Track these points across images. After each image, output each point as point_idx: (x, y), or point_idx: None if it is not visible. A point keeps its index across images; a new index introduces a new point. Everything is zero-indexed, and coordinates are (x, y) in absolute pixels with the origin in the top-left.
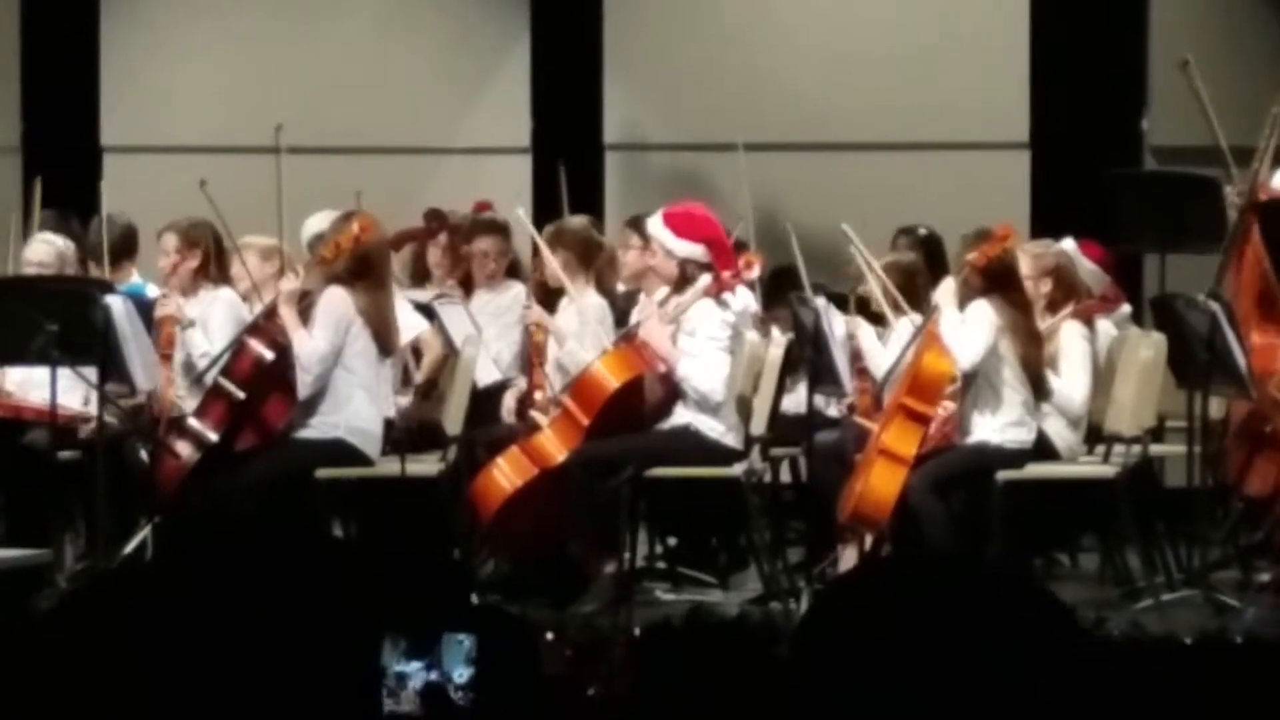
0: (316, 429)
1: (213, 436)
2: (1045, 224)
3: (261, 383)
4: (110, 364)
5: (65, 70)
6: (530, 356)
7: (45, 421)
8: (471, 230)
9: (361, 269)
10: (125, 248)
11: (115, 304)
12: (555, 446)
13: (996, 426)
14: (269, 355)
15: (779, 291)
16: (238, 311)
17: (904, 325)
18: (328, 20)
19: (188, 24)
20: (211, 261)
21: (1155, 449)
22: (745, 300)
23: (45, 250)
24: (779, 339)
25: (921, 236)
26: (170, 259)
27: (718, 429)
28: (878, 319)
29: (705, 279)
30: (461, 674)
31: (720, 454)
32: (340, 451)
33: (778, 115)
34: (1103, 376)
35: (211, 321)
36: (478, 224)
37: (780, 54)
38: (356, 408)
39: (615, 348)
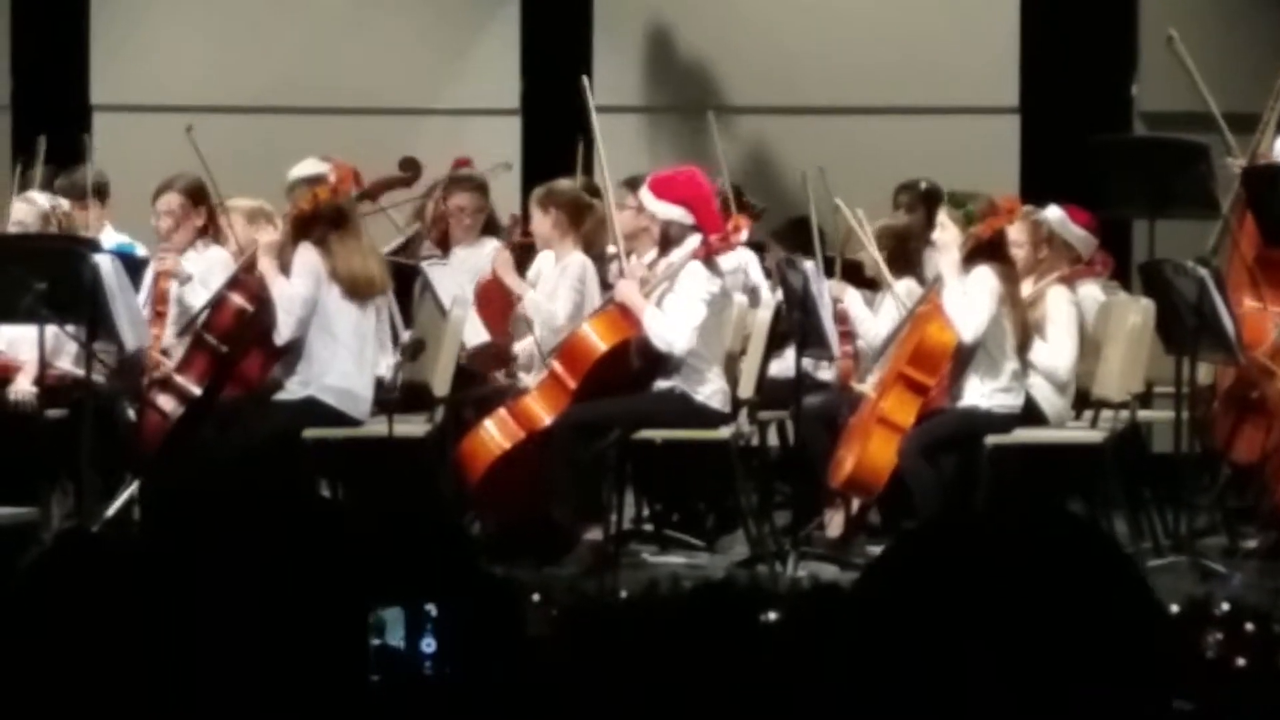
0: (298, 389)
1: (195, 390)
2: (1035, 189)
3: (243, 336)
4: (98, 322)
5: (54, 28)
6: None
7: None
8: (449, 187)
9: (338, 218)
10: (97, 191)
11: (103, 262)
12: (542, 409)
13: (985, 392)
14: (250, 308)
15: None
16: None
17: (900, 289)
18: None
19: None
20: (212, 219)
21: (1143, 414)
22: (737, 260)
23: (25, 210)
24: (768, 301)
25: (923, 191)
26: (173, 217)
27: (704, 391)
28: (868, 284)
29: (693, 241)
30: (430, 644)
31: (707, 417)
32: (321, 412)
33: (767, 77)
34: (1091, 342)
35: (212, 281)
36: (454, 180)
37: (769, 16)
38: (339, 368)
39: (603, 310)
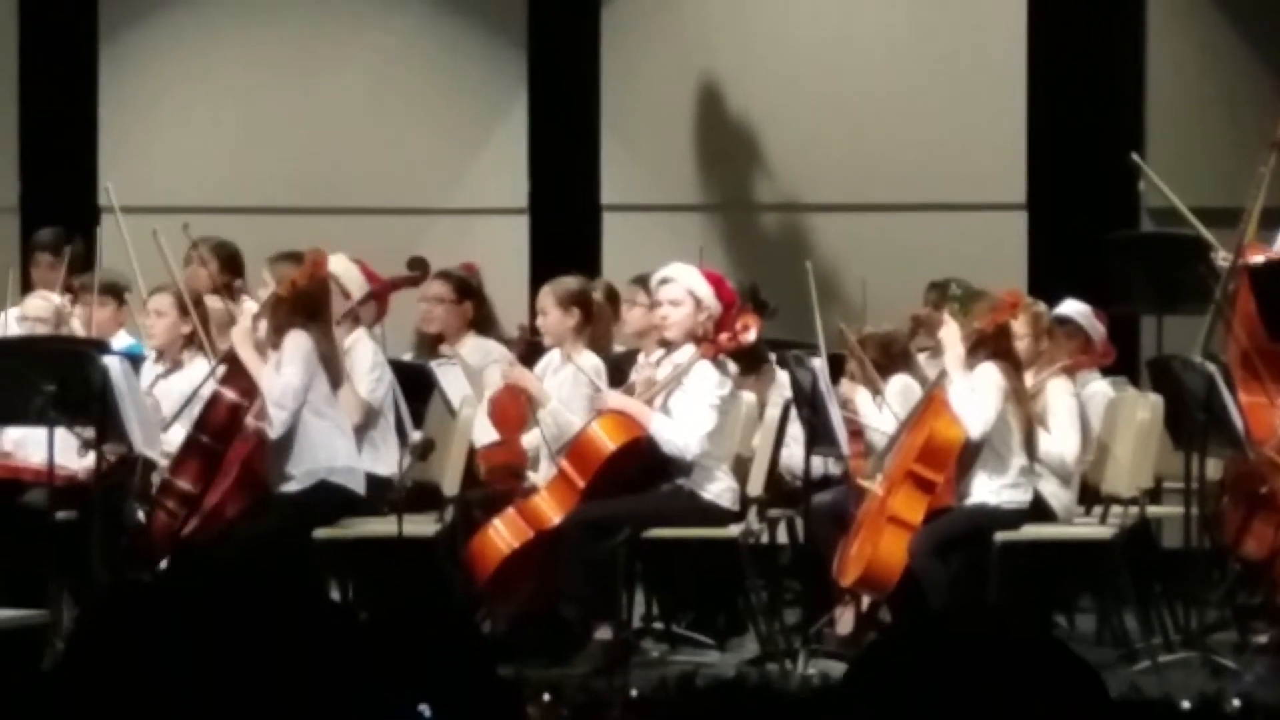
0: (300, 480)
1: (193, 490)
2: (1042, 284)
3: (238, 432)
4: (108, 424)
5: (63, 131)
6: (504, 418)
7: (43, 482)
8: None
9: (317, 304)
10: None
11: (112, 364)
12: (552, 508)
13: (994, 488)
14: (244, 403)
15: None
16: None
17: (895, 386)
18: (325, 80)
19: (185, 84)
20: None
21: (1152, 510)
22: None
23: (42, 306)
24: (776, 399)
25: (952, 294)
26: (164, 319)
27: (713, 489)
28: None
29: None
30: None
31: (716, 515)
32: (329, 495)
33: (775, 175)
34: (1100, 438)
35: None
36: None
37: (777, 116)
38: (341, 448)
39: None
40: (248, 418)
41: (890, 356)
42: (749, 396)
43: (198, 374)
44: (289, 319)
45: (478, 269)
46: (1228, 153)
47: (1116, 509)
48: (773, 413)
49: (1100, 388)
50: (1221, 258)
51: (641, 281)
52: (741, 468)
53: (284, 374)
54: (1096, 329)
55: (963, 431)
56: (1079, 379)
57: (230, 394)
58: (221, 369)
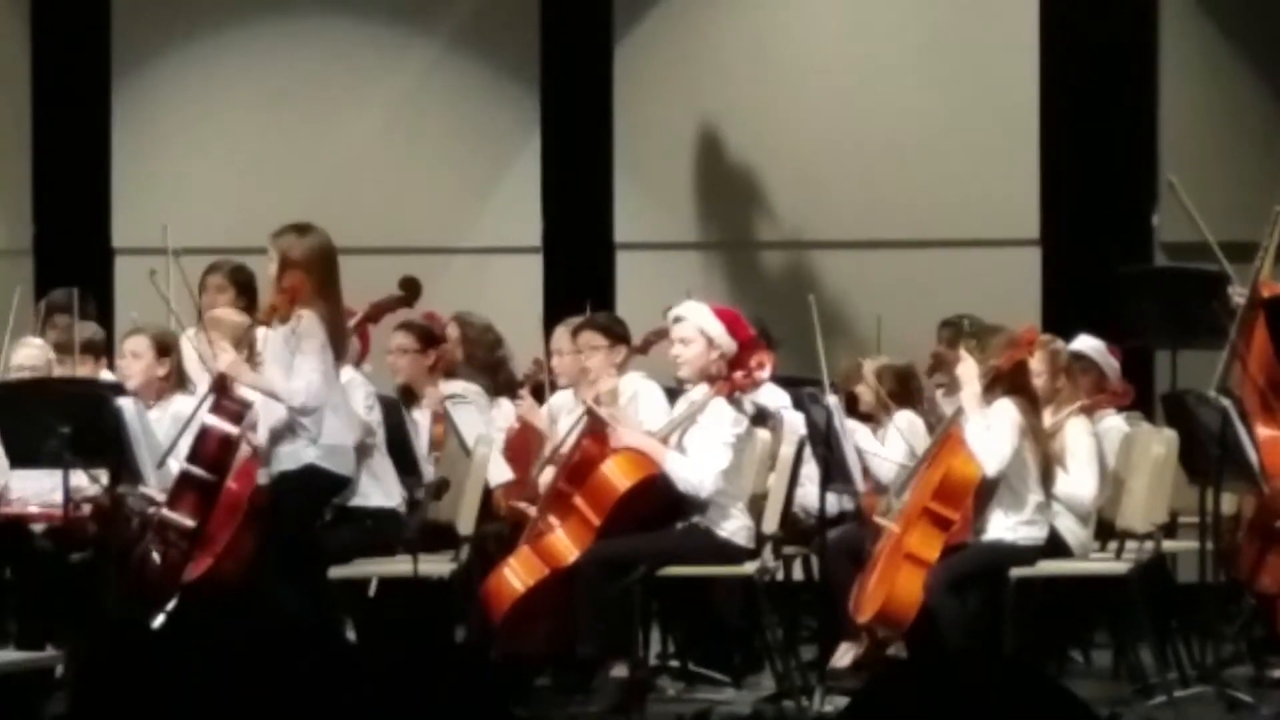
0: (290, 458)
1: (191, 524)
2: (1056, 320)
3: (231, 462)
4: (122, 466)
5: (76, 172)
6: (517, 454)
7: (56, 524)
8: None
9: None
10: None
11: (126, 405)
12: (567, 546)
13: (1010, 525)
14: (235, 431)
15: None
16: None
17: (900, 422)
18: (338, 120)
19: (198, 125)
20: (175, 372)
21: (1168, 545)
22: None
23: (35, 355)
24: (791, 436)
25: (967, 330)
26: (140, 361)
27: (729, 527)
28: (865, 417)
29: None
30: None
31: (732, 552)
32: (315, 478)
33: (788, 213)
34: (1115, 473)
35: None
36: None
37: (789, 153)
38: (328, 427)
39: (626, 449)
40: (243, 443)
41: (906, 390)
42: (763, 435)
43: (180, 410)
44: (299, 300)
45: (439, 317)
46: (1242, 188)
47: (1132, 544)
48: (787, 450)
49: (1114, 423)
50: (1237, 294)
51: (574, 325)
52: (756, 505)
53: (301, 371)
54: (1110, 365)
55: (979, 469)
56: (1094, 416)
57: (221, 425)
58: (210, 400)
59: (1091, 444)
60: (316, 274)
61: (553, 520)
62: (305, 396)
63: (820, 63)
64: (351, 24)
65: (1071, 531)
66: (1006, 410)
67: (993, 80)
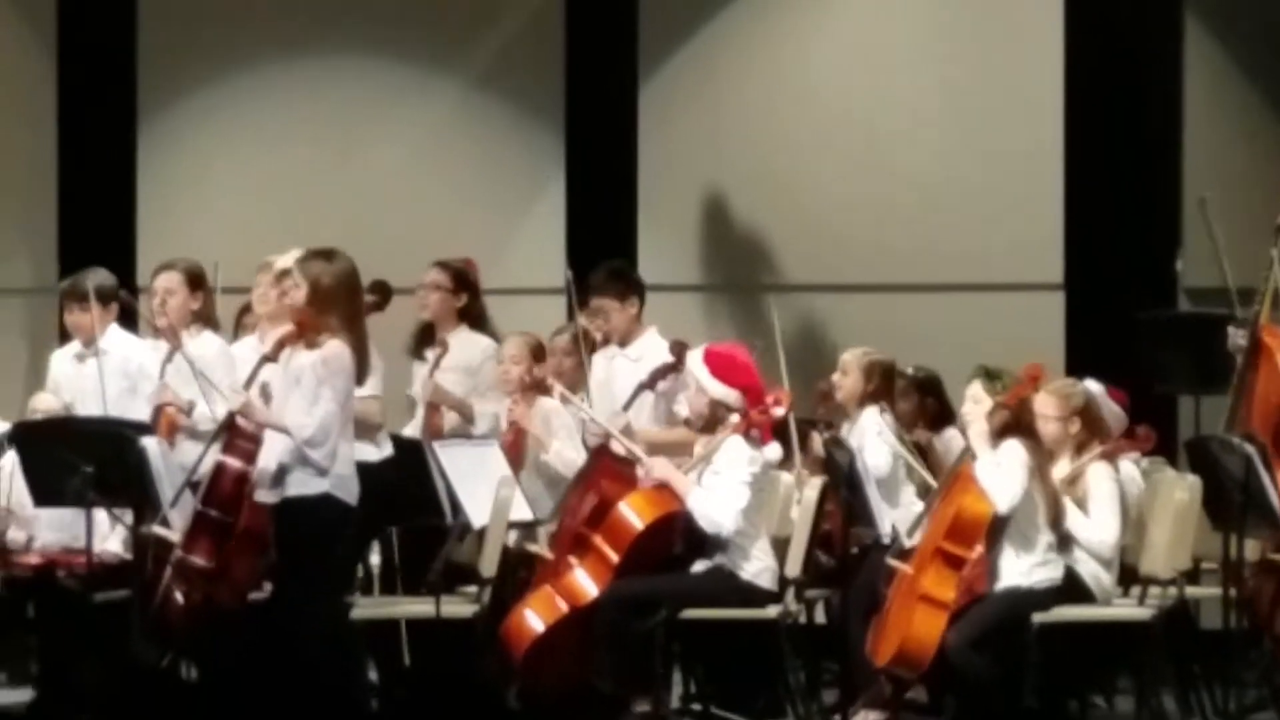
0: (301, 484)
1: (209, 566)
2: (1079, 365)
3: (244, 499)
4: (146, 505)
5: (101, 211)
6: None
7: (80, 569)
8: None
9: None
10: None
11: (150, 445)
12: (586, 585)
13: (1024, 569)
14: (249, 469)
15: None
16: (230, 358)
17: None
18: (363, 159)
19: (223, 164)
20: (207, 305)
21: (1191, 591)
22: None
23: (50, 401)
24: (814, 481)
25: (919, 379)
26: (172, 295)
27: (750, 569)
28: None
29: (734, 418)
30: None
31: (754, 595)
32: (328, 507)
33: (811, 255)
34: (1138, 518)
35: (208, 369)
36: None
37: (814, 196)
38: (341, 454)
39: (643, 488)
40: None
41: (889, 386)
42: (786, 477)
43: (205, 348)
44: (322, 328)
45: (476, 265)
46: (1265, 234)
47: (1155, 590)
48: (810, 494)
49: (1130, 473)
50: (1239, 336)
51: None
52: (779, 548)
53: (319, 409)
54: (1111, 409)
55: (990, 506)
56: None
57: (235, 463)
58: (222, 438)
59: (1113, 489)
60: (345, 301)
61: (571, 559)
62: (314, 430)
63: (844, 105)
64: (377, 64)
65: (1094, 577)
66: (1014, 450)
67: (1016, 124)
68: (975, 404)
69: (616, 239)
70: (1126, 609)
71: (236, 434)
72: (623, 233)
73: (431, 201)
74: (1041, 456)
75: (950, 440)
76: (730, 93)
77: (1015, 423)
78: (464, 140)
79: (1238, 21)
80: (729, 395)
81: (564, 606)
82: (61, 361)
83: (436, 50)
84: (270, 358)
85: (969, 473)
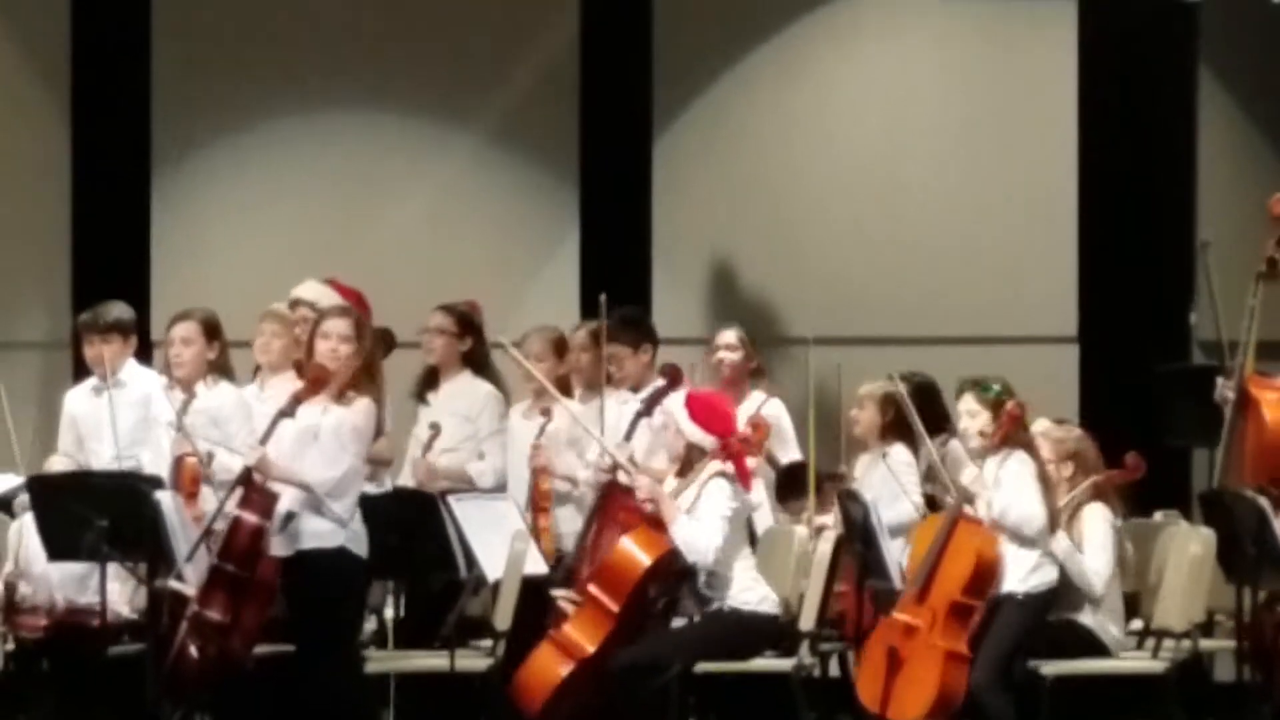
0: (316, 537)
1: (225, 620)
2: (1094, 417)
3: (262, 553)
4: (160, 559)
5: (116, 265)
6: (535, 501)
7: (94, 625)
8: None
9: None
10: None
11: (164, 499)
12: (587, 637)
13: (1020, 575)
14: (266, 524)
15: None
16: (247, 408)
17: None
18: (377, 212)
19: (237, 215)
20: (223, 355)
21: (1205, 644)
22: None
23: (65, 463)
24: (828, 535)
25: (914, 384)
26: (191, 347)
27: (751, 600)
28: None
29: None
30: None
31: (760, 625)
32: (344, 562)
33: (826, 309)
34: (1153, 570)
35: (224, 422)
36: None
37: (829, 249)
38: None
39: (638, 528)
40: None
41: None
42: (801, 531)
43: (223, 398)
44: (351, 385)
45: (480, 307)
46: (1276, 286)
47: (1169, 643)
48: (824, 548)
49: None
50: (1227, 388)
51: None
52: (794, 600)
53: (342, 464)
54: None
55: (998, 546)
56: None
57: (251, 518)
58: (238, 493)
59: (1108, 531)
60: (375, 355)
61: (581, 609)
62: (338, 483)
63: (857, 158)
64: (392, 119)
65: (1104, 629)
66: (1022, 463)
67: (1030, 177)
68: (971, 418)
69: (631, 292)
70: (1140, 661)
71: (253, 489)
72: (637, 286)
73: (447, 256)
74: (1040, 464)
75: (953, 450)
76: (744, 146)
77: (1012, 441)
78: (479, 195)
79: (1252, 75)
80: (705, 440)
81: (570, 661)
82: (77, 398)
83: (452, 105)
84: (287, 413)
85: (969, 521)
